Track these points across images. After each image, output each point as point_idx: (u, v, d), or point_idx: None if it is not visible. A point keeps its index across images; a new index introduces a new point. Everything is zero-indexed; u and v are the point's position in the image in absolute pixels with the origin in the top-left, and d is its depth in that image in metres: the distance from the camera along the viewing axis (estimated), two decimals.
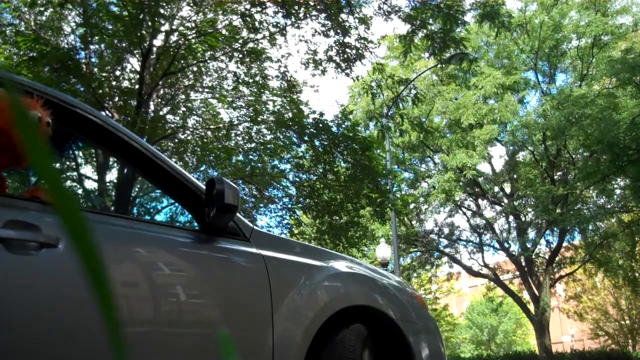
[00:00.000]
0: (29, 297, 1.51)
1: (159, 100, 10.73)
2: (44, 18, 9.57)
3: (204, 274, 1.98)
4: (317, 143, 9.93)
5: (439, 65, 11.19)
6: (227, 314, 1.98)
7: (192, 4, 9.28)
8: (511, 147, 18.13)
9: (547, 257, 18.56)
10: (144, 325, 1.74)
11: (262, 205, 11.99)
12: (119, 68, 9.91)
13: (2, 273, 1.48)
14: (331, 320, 2.24)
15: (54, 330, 1.53)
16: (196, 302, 1.92)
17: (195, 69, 10.26)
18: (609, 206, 17.38)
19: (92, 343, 1.55)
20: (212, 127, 11.04)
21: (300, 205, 11.28)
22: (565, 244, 18.65)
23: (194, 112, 11.89)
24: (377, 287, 2.60)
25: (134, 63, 9.97)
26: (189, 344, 1.80)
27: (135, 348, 1.65)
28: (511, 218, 18.57)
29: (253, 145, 11.06)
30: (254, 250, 2.15)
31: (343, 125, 9.96)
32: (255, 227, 2.25)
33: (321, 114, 9.87)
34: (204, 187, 2.07)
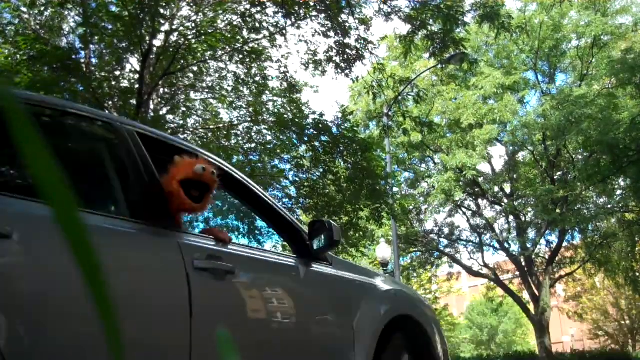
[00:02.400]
0: (224, 311, 2.22)
1: (159, 100, 10.74)
2: (44, 18, 9.57)
3: (312, 287, 2.76)
4: (317, 144, 9.93)
5: (439, 66, 11.20)
6: (328, 315, 2.75)
7: (192, 4, 9.28)
8: (511, 147, 18.13)
9: (547, 257, 18.56)
10: (279, 321, 2.48)
11: None
12: (119, 68, 9.91)
13: (212, 294, 2.16)
14: (388, 325, 2.95)
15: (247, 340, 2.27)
16: (308, 304, 2.70)
17: (195, 69, 10.26)
18: (609, 206, 17.39)
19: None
20: (212, 127, 11.04)
21: (300, 205, 11.28)
22: (565, 244, 18.66)
23: (194, 112, 11.89)
24: (412, 299, 3.46)
25: (134, 63, 9.98)
26: (309, 336, 2.61)
27: (272, 340, 2.40)
28: (511, 218, 18.57)
29: (253, 145, 11.06)
30: (336, 271, 2.88)
31: (343, 126, 9.96)
32: (333, 255, 2.99)
33: (321, 115, 9.87)
34: (295, 222, 2.88)
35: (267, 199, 2.80)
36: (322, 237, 2.69)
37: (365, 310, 2.87)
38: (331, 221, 2.69)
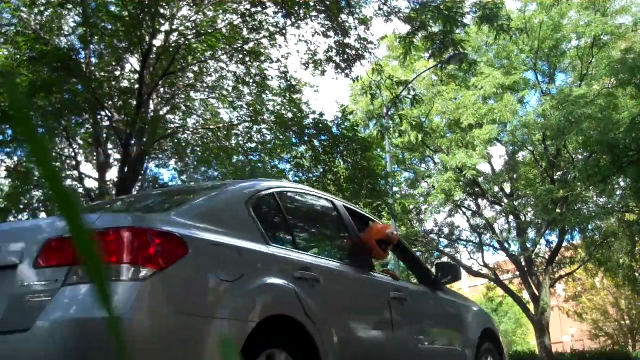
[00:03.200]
0: (405, 323, 3.44)
1: (159, 100, 10.74)
2: (44, 18, 9.57)
3: (441, 306, 4.05)
4: (317, 143, 9.93)
5: (438, 66, 11.20)
6: (449, 325, 4.05)
7: (192, 4, 9.29)
8: (511, 147, 18.12)
9: (547, 257, 18.56)
10: (429, 329, 3.77)
11: None
12: (119, 68, 9.91)
13: (400, 313, 3.37)
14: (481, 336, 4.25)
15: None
16: (440, 318, 3.99)
17: (195, 68, 10.27)
18: (609, 206, 17.39)
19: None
20: (212, 127, 11.04)
21: None
22: (565, 244, 18.65)
23: (194, 112, 11.89)
24: (490, 316, 4.82)
25: (134, 63, 9.99)
26: (442, 339, 3.91)
27: (414, 348, 3.50)
28: (511, 218, 18.57)
29: (253, 145, 11.06)
30: (450, 297, 4.23)
31: (343, 126, 9.96)
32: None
33: (321, 114, 9.88)
34: (426, 266, 4.53)
35: (412, 252, 4.42)
36: (448, 273, 4.08)
37: (468, 324, 4.20)
38: (454, 262, 4.45)
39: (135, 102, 8.82)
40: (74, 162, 11.06)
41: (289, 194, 3.35)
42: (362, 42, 9.06)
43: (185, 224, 2.30)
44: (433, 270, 4.34)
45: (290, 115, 10.00)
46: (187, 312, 2.12)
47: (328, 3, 8.64)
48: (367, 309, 3.21)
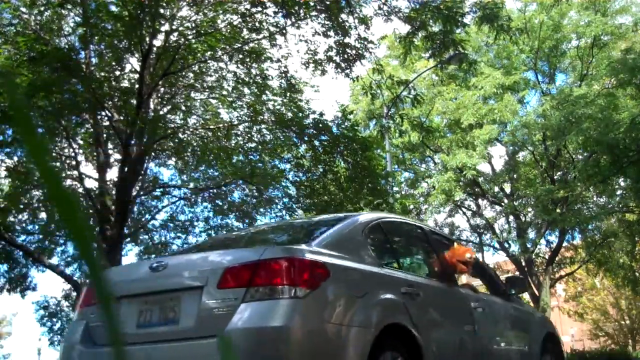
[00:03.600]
0: (485, 327, 4.11)
1: (159, 100, 10.73)
2: (44, 18, 9.57)
3: (513, 313, 4.74)
4: (316, 143, 9.93)
5: (438, 66, 11.20)
6: (519, 329, 4.72)
7: (192, 4, 9.28)
8: (511, 147, 18.12)
9: (547, 257, 18.56)
10: (505, 331, 4.46)
11: (262, 206, 12.00)
12: (119, 68, 9.90)
13: (480, 319, 4.02)
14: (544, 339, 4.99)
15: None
16: (513, 322, 4.69)
17: (195, 68, 10.26)
18: (609, 206, 17.38)
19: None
20: (212, 127, 11.03)
21: (300, 205, 11.28)
22: (565, 244, 18.65)
23: (194, 112, 11.89)
24: (550, 320, 5.92)
25: (134, 63, 9.98)
26: (515, 341, 4.60)
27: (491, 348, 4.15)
28: (511, 218, 18.56)
29: (253, 145, 11.05)
30: (518, 305, 5.00)
31: (343, 126, 9.95)
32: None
33: (321, 114, 9.87)
34: (500, 279, 5.19)
35: (487, 268, 5.43)
36: (516, 285, 4.91)
37: (533, 327, 4.92)
38: (522, 277, 5.20)
39: (135, 102, 8.81)
40: (74, 162, 11.06)
41: (390, 223, 4.07)
42: (362, 41, 9.05)
43: (324, 253, 2.98)
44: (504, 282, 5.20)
45: (290, 115, 9.99)
46: (331, 321, 2.78)
47: (328, 3, 8.63)
48: (455, 316, 3.87)
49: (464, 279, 4.19)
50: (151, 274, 2.98)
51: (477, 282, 4.83)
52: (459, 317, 3.89)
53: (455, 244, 4.53)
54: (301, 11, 8.91)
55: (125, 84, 9.84)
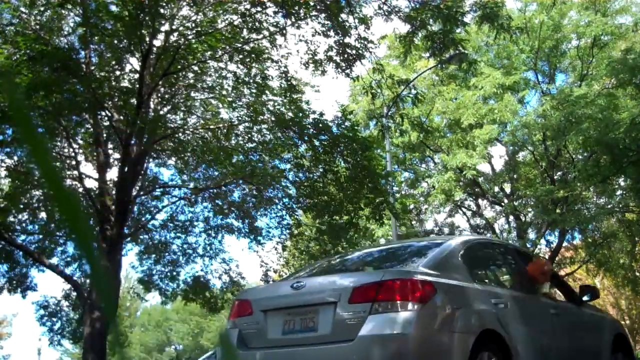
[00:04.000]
0: (562, 328, 4.66)
1: (159, 100, 10.73)
2: (43, 18, 9.57)
3: (585, 318, 5.23)
4: (316, 143, 9.92)
5: (438, 66, 11.19)
6: (592, 332, 5.20)
7: (192, 4, 9.28)
8: (511, 147, 18.11)
9: (547, 257, 18.55)
10: (573, 337, 4.78)
11: (262, 205, 12.00)
12: (119, 68, 9.90)
13: (559, 323, 4.63)
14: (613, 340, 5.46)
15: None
16: (586, 326, 5.16)
17: (195, 68, 10.26)
18: (609, 206, 17.38)
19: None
20: (212, 127, 11.03)
21: (300, 205, 11.27)
22: (565, 244, 18.65)
23: (194, 112, 11.89)
24: (619, 323, 6.34)
25: (134, 63, 9.98)
26: (587, 342, 5.07)
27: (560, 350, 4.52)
28: (511, 218, 18.56)
29: (253, 145, 11.05)
30: (589, 310, 5.43)
31: (343, 125, 9.95)
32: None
33: (321, 114, 9.86)
34: (573, 289, 5.57)
35: (562, 278, 5.95)
36: (588, 293, 5.25)
37: (604, 330, 5.39)
38: (594, 286, 5.49)
39: (135, 102, 8.81)
40: (74, 162, 11.06)
41: (479, 244, 4.84)
42: (362, 41, 9.05)
43: (430, 274, 3.63)
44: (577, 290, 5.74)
45: (290, 115, 9.99)
46: (440, 329, 3.45)
47: (328, 2, 8.63)
48: (537, 322, 4.37)
49: (543, 288, 4.78)
50: (293, 292, 3.75)
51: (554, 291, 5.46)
52: (540, 322, 4.45)
53: (535, 258, 5.40)
54: (301, 11, 8.91)
55: (125, 84, 9.84)
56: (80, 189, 10.43)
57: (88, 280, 10.79)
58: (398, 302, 3.36)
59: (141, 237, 12.78)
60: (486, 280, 4.48)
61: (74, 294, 12.09)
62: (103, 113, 9.68)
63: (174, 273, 12.78)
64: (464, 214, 19.52)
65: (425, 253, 4.11)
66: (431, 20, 8.44)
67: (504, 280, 5.07)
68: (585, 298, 5.27)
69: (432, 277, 3.59)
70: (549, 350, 4.33)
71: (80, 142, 11.26)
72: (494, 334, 3.68)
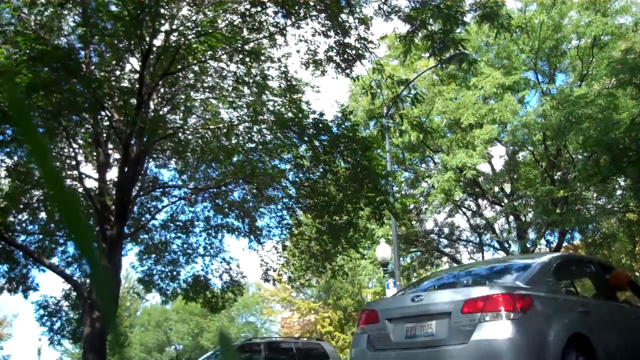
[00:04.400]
0: (626, 328, 5.22)
1: (159, 100, 10.74)
2: (44, 18, 9.56)
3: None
4: (316, 143, 9.91)
5: (438, 66, 11.18)
6: None
7: (192, 4, 9.27)
8: (511, 147, 18.12)
9: None
10: (629, 336, 5.20)
11: (262, 205, 12.00)
12: (119, 68, 9.90)
13: (634, 327, 5.30)
14: None
15: None
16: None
17: (195, 68, 10.26)
18: (609, 206, 17.38)
19: None
20: (212, 127, 11.03)
21: (300, 205, 11.27)
22: (565, 244, 18.65)
23: (194, 112, 11.89)
24: None
25: (134, 63, 9.98)
26: None
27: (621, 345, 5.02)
28: (511, 218, 18.56)
29: (253, 145, 11.05)
30: None
31: (343, 125, 9.94)
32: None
33: (321, 114, 9.86)
34: None
35: (638, 285, 6.25)
36: None
37: None
38: None
39: (135, 102, 8.81)
40: (74, 162, 11.06)
41: (566, 259, 5.64)
42: (362, 41, 9.04)
43: (528, 288, 4.38)
44: None
45: (290, 115, 9.98)
46: (537, 333, 4.10)
47: (328, 2, 8.63)
48: (619, 326, 4.97)
49: (623, 296, 5.37)
50: (412, 303, 4.59)
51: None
52: (621, 325, 5.04)
53: (614, 269, 6.01)
54: (301, 11, 8.90)
55: (125, 84, 9.84)
56: (80, 189, 10.43)
57: (88, 280, 10.79)
58: (503, 312, 4.06)
59: (141, 237, 12.78)
60: (574, 291, 5.20)
61: (74, 294, 12.09)
62: (103, 113, 9.68)
63: (174, 273, 12.79)
64: (464, 214, 19.52)
65: (522, 269, 4.86)
66: (431, 20, 8.43)
67: (589, 289, 5.92)
68: None
69: (529, 290, 4.33)
70: (629, 351, 4.91)
71: (80, 142, 11.25)
72: (581, 337, 4.32)
